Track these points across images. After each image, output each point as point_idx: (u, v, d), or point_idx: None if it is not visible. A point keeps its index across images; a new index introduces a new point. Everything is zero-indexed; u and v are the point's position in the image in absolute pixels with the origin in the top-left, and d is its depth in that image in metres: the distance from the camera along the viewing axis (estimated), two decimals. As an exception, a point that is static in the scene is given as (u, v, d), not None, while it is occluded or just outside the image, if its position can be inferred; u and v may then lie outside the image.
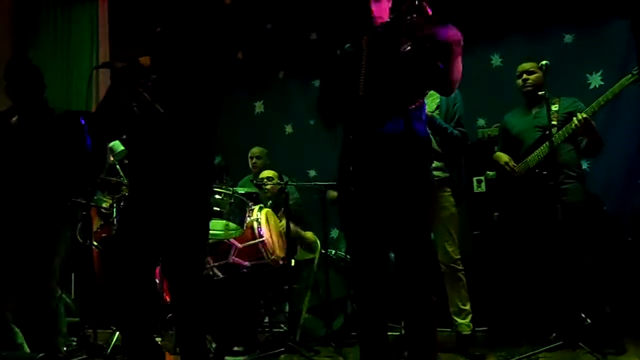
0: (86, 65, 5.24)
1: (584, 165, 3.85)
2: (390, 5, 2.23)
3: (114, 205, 3.68)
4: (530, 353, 2.85)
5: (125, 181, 3.47)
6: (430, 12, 1.90)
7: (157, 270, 2.91)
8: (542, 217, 3.17)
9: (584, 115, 3.09)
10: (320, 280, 3.80)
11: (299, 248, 4.09)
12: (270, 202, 3.96)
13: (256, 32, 5.60)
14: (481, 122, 4.65)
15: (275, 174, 4.22)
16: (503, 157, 3.42)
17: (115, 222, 3.71)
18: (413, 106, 2.15)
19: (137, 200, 2.26)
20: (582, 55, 4.49)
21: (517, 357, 2.84)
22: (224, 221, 3.29)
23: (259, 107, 5.74)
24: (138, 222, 2.19)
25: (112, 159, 3.49)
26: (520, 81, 3.44)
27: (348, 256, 2.85)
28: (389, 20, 2.16)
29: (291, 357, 3.23)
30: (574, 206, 3.14)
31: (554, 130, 3.11)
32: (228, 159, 5.11)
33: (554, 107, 3.27)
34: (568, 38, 4.58)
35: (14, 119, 2.90)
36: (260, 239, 3.48)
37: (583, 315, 3.05)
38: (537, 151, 3.27)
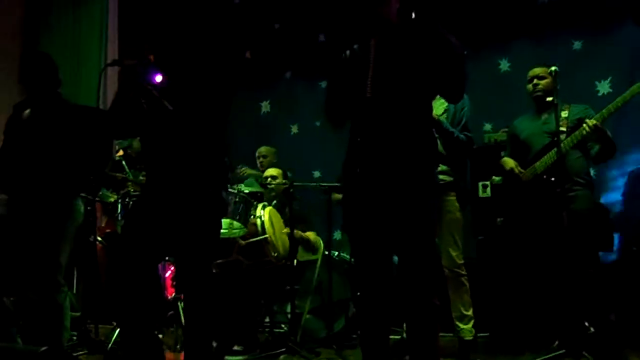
0: (95, 63, 5.25)
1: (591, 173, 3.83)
2: (398, 6, 2.22)
3: (119, 201, 3.69)
4: (532, 361, 2.84)
5: (131, 177, 3.48)
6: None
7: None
8: (547, 224, 3.15)
9: (594, 122, 3.06)
10: (322, 282, 3.79)
11: (299, 248, 4.08)
12: (275, 201, 3.95)
13: (264, 32, 5.60)
14: (488, 126, 4.63)
15: (280, 171, 4.21)
16: (509, 162, 3.40)
17: (119, 218, 3.72)
18: (420, 109, 2.14)
19: (149, 196, 2.27)
20: (590, 62, 4.46)
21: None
22: (228, 220, 3.29)
23: (265, 106, 5.74)
24: (147, 218, 2.20)
25: (118, 154, 3.49)
26: (530, 86, 3.42)
27: (352, 259, 2.84)
28: (396, 22, 2.15)
29: (291, 357, 3.22)
30: (580, 213, 3.12)
31: (562, 136, 3.09)
32: (233, 158, 5.10)
33: (564, 114, 3.25)
34: (577, 44, 4.56)
35: (26, 112, 2.90)
36: (263, 236, 3.48)
37: (587, 324, 3.02)
38: (545, 157, 3.25)
